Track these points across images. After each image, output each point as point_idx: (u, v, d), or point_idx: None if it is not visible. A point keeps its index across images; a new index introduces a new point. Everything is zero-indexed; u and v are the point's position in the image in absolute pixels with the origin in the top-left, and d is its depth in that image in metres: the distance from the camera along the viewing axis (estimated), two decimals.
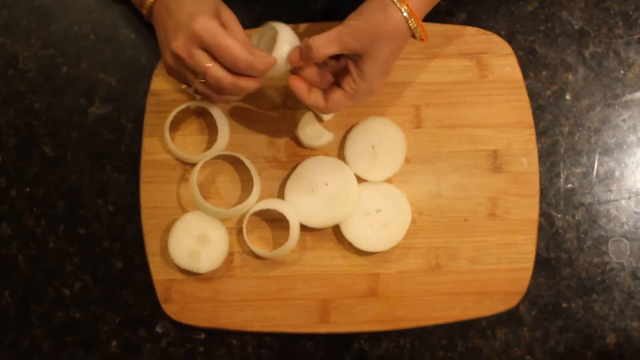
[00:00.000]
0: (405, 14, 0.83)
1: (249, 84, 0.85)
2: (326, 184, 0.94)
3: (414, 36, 0.86)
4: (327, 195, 0.94)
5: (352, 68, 0.85)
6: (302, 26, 1.00)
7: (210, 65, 0.83)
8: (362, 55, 0.84)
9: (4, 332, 0.96)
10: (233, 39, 0.82)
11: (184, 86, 0.89)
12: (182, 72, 0.86)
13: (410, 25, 0.84)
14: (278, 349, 0.95)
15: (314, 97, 0.87)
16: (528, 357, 0.95)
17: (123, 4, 1.02)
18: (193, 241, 0.94)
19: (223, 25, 0.84)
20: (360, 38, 0.83)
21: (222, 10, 0.87)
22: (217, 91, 0.86)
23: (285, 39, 0.87)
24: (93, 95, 1.00)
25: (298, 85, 0.86)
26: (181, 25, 0.83)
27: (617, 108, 1.00)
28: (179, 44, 0.83)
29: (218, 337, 0.95)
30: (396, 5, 0.82)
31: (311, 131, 0.95)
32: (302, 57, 0.85)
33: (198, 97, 0.92)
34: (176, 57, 0.84)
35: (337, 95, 0.86)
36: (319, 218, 0.93)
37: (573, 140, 0.99)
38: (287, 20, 0.99)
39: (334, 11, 1.02)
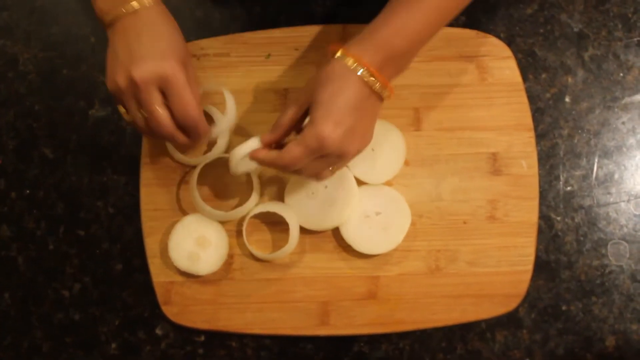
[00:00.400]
0: (349, 61, 0.79)
1: (183, 140, 0.85)
2: (325, 187, 0.94)
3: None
4: (327, 198, 0.94)
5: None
6: (302, 28, 0.99)
7: (159, 109, 0.81)
8: (310, 107, 0.82)
9: (4, 333, 0.96)
10: (194, 97, 0.81)
11: (121, 108, 0.85)
12: (128, 98, 0.83)
13: (348, 65, 0.79)
14: (277, 351, 0.95)
15: (270, 154, 0.84)
16: None
17: None
18: (193, 243, 0.94)
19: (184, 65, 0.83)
20: (306, 88, 0.83)
21: (188, 63, 0.84)
22: (151, 131, 0.84)
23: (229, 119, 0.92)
24: (93, 98, 1.01)
25: (255, 152, 0.85)
26: (150, 58, 0.80)
27: (616, 111, 1.00)
28: (141, 75, 0.79)
29: (218, 339, 0.96)
30: (341, 56, 0.80)
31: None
32: (273, 132, 0.85)
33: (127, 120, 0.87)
34: (132, 83, 0.80)
35: (289, 145, 0.81)
36: (318, 221, 0.93)
37: (572, 142, 0.99)
38: (286, 22, 1.00)
39: (334, 13, 1.02)
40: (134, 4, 0.81)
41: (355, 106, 0.79)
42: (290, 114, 0.83)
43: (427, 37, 0.83)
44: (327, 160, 0.82)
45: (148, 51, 0.80)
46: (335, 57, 0.80)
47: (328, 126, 0.78)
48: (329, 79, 0.79)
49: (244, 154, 0.85)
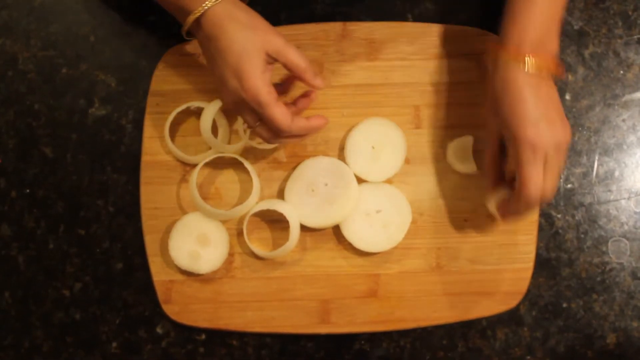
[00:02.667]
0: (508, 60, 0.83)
1: (294, 140, 0.90)
2: (326, 185, 0.94)
3: None
4: (327, 196, 0.94)
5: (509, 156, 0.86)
6: (302, 26, 0.99)
7: (257, 125, 0.86)
8: (503, 134, 0.86)
9: (4, 333, 0.96)
10: (278, 108, 0.82)
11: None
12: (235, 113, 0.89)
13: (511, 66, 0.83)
14: (278, 349, 0.95)
15: (510, 205, 0.87)
16: (528, 357, 0.95)
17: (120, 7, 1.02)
18: (193, 242, 0.94)
19: (275, 57, 0.84)
20: (489, 124, 0.90)
21: (268, 43, 0.84)
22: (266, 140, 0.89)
23: None
24: (93, 96, 1.00)
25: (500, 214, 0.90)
26: (228, 82, 0.83)
27: (616, 108, 1.00)
28: (228, 101, 0.85)
29: (218, 337, 0.95)
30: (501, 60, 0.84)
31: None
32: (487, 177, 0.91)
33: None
34: (227, 107, 0.88)
35: (518, 178, 0.83)
36: (318, 218, 0.93)
37: (573, 140, 0.99)
38: (287, 21, 1.00)
39: (334, 12, 1.02)
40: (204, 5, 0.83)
41: (536, 98, 0.81)
42: (490, 153, 0.89)
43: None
44: (554, 163, 0.82)
45: (224, 73, 0.83)
46: (498, 63, 0.83)
47: (529, 130, 0.80)
48: (502, 94, 0.83)
49: None
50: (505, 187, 0.88)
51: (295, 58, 0.84)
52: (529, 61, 0.81)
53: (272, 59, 0.84)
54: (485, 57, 0.85)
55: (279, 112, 0.83)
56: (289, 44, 0.84)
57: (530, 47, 0.82)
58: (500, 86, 0.83)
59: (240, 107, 0.85)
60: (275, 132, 0.85)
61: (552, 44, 0.85)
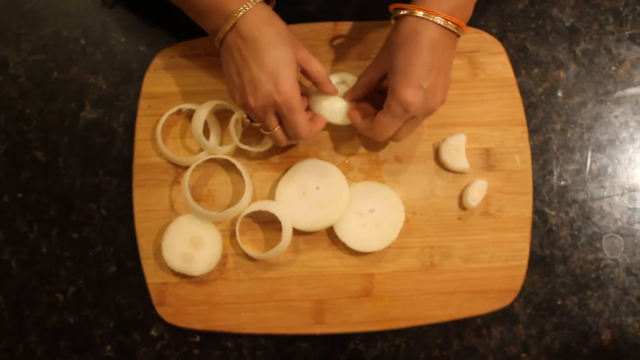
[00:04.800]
0: (419, 14, 0.81)
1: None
2: (317, 188, 0.94)
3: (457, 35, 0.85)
4: (318, 199, 0.93)
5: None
6: (294, 26, 0.99)
7: (276, 129, 0.88)
8: (388, 73, 0.86)
9: None
10: (304, 115, 0.86)
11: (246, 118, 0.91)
12: (252, 116, 0.89)
13: (419, 16, 0.81)
14: (273, 350, 0.95)
15: (365, 124, 0.90)
16: (523, 355, 0.95)
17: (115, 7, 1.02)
18: (186, 244, 0.93)
19: (302, 65, 0.87)
20: (379, 58, 0.89)
21: (299, 53, 0.86)
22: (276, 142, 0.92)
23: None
24: (84, 100, 1.00)
25: (351, 116, 0.91)
26: (262, 85, 0.83)
27: (608, 104, 1.00)
28: (257, 104, 0.85)
29: (213, 339, 0.95)
30: (408, 13, 0.82)
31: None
32: (353, 91, 0.92)
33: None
34: (248, 108, 0.86)
35: (378, 116, 0.86)
36: (309, 221, 0.93)
37: (565, 137, 0.99)
38: None
39: (326, 11, 1.02)
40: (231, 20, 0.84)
41: (432, 65, 0.82)
42: (368, 77, 0.90)
43: None
44: (416, 120, 0.87)
45: (257, 75, 0.83)
46: (402, 14, 0.82)
47: (409, 92, 0.82)
48: (401, 44, 0.83)
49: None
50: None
51: (319, 67, 0.88)
52: (440, 19, 0.81)
53: (300, 68, 0.87)
54: (391, 7, 0.84)
55: (304, 119, 0.86)
56: (312, 55, 0.87)
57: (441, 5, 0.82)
58: (405, 37, 0.82)
59: (266, 110, 0.86)
60: (291, 137, 0.89)
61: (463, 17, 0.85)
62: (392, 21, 0.86)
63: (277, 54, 0.83)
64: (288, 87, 0.83)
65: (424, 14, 0.81)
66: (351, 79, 0.94)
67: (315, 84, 0.90)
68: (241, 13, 0.83)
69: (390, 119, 0.85)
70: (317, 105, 0.92)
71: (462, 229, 0.95)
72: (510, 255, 0.94)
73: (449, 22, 0.81)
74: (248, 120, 0.90)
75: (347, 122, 0.93)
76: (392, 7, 0.84)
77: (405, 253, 0.95)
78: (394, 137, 0.89)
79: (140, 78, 0.99)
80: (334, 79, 0.94)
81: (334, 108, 0.92)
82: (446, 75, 0.85)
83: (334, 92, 0.91)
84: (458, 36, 0.84)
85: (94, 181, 0.98)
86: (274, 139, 0.90)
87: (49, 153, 0.99)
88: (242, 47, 0.84)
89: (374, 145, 0.97)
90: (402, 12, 0.83)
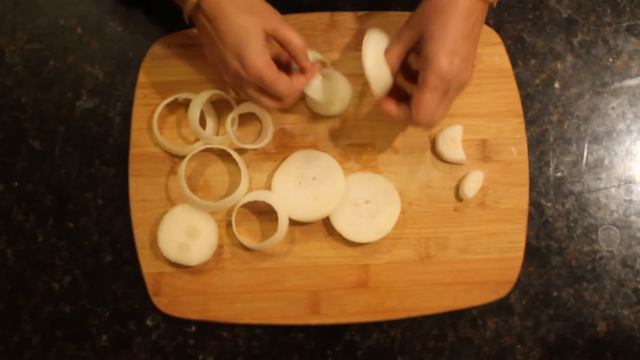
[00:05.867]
0: None
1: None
2: (313, 178, 0.94)
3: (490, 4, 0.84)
4: (314, 190, 0.93)
5: (419, 62, 0.84)
6: (290, 16, 0.99)
7: (261, 99, 0.87)
8: (420, 42, 0.84)
9: None
10: (281, 81, 0.84)
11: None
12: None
13: None
14: (269, 340, 0.95)
15: (403, 112, 0.86)
16: (519, 346, 0.95)
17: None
18: (182, 234, 0.93)
19: (273, 35, 0.85)
20: (412, 25, 0.85)
21: (267, 23, 0.84)
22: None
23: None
24: (80, 89, 1.00)
25: (386, 108, 0.87)
26: (229, 63, 0.84)
27: (606, 96, 0.99)
28: (229, 81, 0.86)
29: (209, 329, 0.95)
30: None
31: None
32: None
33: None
34: (227, 84, 0.88)
35: (416, 96, 0.83)
36: (305, 211, 0.93)
37: (562, 128, 0.99)
38: None
39: (322, 2, 1.02)
40: None
41: (467, 34, 0.81)
42: (396, 52, 0.86)
43: None
44: (449, 98, 0.84)
45: (225, 48, 0.83)
46: None
47: (446, 60, 0.80)
48: (437, 11, 0.81)
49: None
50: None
51: (292, 37, 0.85)
52: None
53: (270, 37, 0.85)
54: None
55: (282, 84, 0.84)
56: (287, 23, 0.85)
57: None
58: (441, 3, 0.81)
59: (243, 85, 0.86)
60: (279, 100, 0.88)
61: None
62: None
63: (237, 29, 0.82)
64: (253, 62, 0.82)
65: None
66: (320, 57, 0.94)
67: (290, 56, 0.87)
68: None
69: (429, 94, 0.81)
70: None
71: (458, 220, 0.95)
72: (506, 246, 0.94)
73: None
74: (234, 94, 0.91)
75: (324, 99, 0.92)
76: None
77: (401, 244, 0.95)
78: (432, 121, 0.85)
79: (136, 67, 0.99)
80: None
81: (313, 85, 0.90)
82: (475, 48, 0.84)
83: (312, 69, 0.88)
84: (490, 6, 0.84)
85: (90, 171, 0.98)
86: (263, 107, 0.89)
87: (45, 142, 0.99)
88: (208, 27, 0.84)
89: (370, 136, 0.97)
90: None
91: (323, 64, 0.95)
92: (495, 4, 0.83)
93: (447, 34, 0.80)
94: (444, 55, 0.80)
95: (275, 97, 0.87)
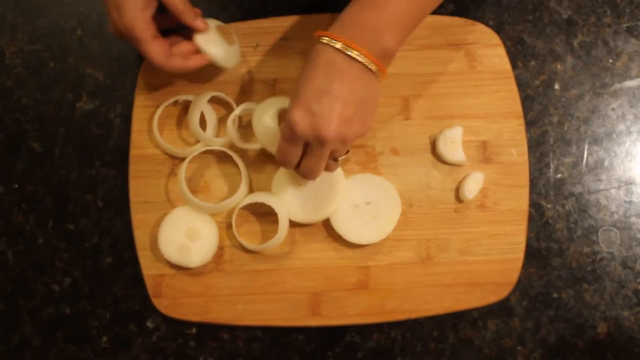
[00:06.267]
0: (323, 40, 0.78)
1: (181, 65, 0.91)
2: (314, 180, 0.94)
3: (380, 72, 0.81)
4: (314, 191, 0.93)
5: None
6: (290, 18, 0.99)
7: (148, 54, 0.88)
8: None
9: None
10: (152, 46, 0.86)
11: None
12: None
13: (323, 42, 0.78)
14: (269, 342, 0.95)
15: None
16: (519, 348, 0.95)
17: None
18: (183, 236, 0.93)
19: None
20: None
21: None
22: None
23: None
24: (80, 90, 1.00)
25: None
26: (110, 14, 0.86)
27: (606, 97, 0.99)
28: (113, 31, 0.88)
29: (209, 331, 0.95)
30: (317, 39, 0.80)
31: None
32: None
33: None
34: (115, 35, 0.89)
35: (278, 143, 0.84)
36: (305, 213, 0.93)
37: (562, 130, 0.99)
38: (274, 13, 0.99)
39: (321, 4, 1.02)
40: None
41: (324, 89, 0.77)
42: None
43: (412, 19, 0.81)
44: (314, 150, 0.81)
45: (108, 4, 0.85)
46: (318, 40, 0.79)
47: (297, 112, 0.78)
48: (304, 64, 0.80)
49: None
50: None
51: None
52: (342, 46, 0.77)
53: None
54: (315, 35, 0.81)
55: (153, 50, 0.86)
56: None
57: (353, 35, 0.78)
58: (308, 59, 0.80)
59: (123, 39, 0.87)
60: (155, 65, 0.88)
61: (388, 40, 0.79)
62: None
63: None
64: (129, 18, 0.83)
65: (326, 40, 0.78)
66: (220, 24, 0.95)
67: (176, 16, 0.88)
68: None
69: (282, 140, 0.81)
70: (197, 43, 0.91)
71: (459, 222, 0.95)
72: (507, 248, 0.94)
73: (349, 48, 0.77)
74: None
75: (219, 53, 0.92)
76: (315, 34, 0.81)
77: (402, 245, 0.95)
78: (300, 172, 0.85)
79: (137, 69, 0.99)
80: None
81: (210, 39, 0.91)
82: (345, 107, 0.77)
83: (200, 27, 0.89)
84: (367, 68, 0.78)
85: (90, 172, 0.98)
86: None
87: (45, 144, 0.99)
88: None
89: (370, 137, 0.97)
90: (319, 39, 0.79)
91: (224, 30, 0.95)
92: (371, 66, 0.78)
93: (301, 87, 0.78)
94: (295, 108, 0.78)
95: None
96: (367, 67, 0.78)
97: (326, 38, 0.78)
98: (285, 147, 0.82)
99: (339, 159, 0.86)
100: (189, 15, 0.88)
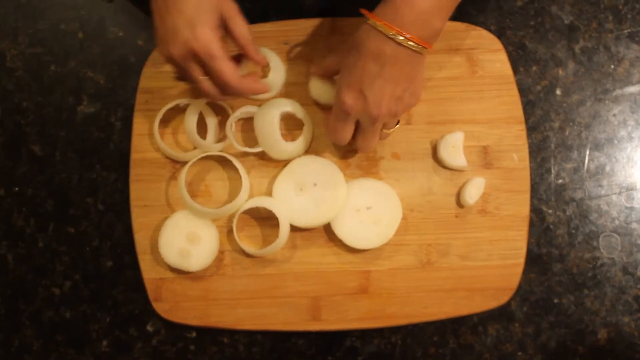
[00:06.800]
0: (371, 22, 0.80)
1: (237, 97, 0.93)
2: (315, 184, 0.94)
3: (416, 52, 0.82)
4: (315, 196, 0.93)
5: None
6: (292, 22, 0.99)
7: (202, 79, 0.85)
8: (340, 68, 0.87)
9: None
10: (228, 62, 0.83)
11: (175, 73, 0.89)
12: (177, 69, 0.86)
13: (374, 26, 0.80)
14: (269, 347, 0.95)
15: (327, 124, 0.91)
16: (520, 353, 0.95)
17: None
18: (183, 240, 0.93)
19: (225, 21, 0.84)
20: (336, 54, 0.91)
21: (224, 5, 0.84)
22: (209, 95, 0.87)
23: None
24: (81, 94, 1.00)
25: (326, 116, 0.93)
26: (180, 32, 0.81)
27: (607, 103, 0.99)
28: (176, 53, 0.82)
29: (209, 335, 0.95)
30: (364, 20, 0.81)
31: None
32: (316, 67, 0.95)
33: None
34: (172, 60, 0.84)
35: (329, 121, 0.89)
36: (306, 218, 0.93)
37: (563, 135, 0.99)
38: (275, 17, 0.99)
39: (323, 8, 1.02)
40: None
41: (375, 74, 0.81)
42: (327, 63, 0.92)
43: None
44: (365, 129, 0.88)
45: (177, 24, 0.82)
46: (366, 22, 0.81)
47: (348, 94, 0.83)
48: (351, 48, 0.83)
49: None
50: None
51: (243, 27, 0.85)
52: (392, 32, 0.79)
53: (222, 23, 0.84)
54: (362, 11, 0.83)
55: (228, 66, 0.83)
56: (241, 14, 0.85)
57: (404, 22, 0.79)
58: (358, 41, 0.82)
59: (187, 60, 0.83)
60: (221, 87, 0.85)
61: (437, 22, 0.81)
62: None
63: (195, 0, 0.82)
64: (206, 33, 0.81)
65: (373, 23, 0.80)
66: (269, 54, 0.97)
67: (238, 47, 0.87)
68: None
69: (335, 121, 0.87)
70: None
71: (460, 227, 0.95)
72: (507, 253, 0.94)
73: (399, 36, 0.79)
74: (176, 76, 0.89)
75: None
76: (361, 10, 0.83)
77: (403, 250, 0.94)
78: (356, 146, 0.91)
79: (138, 72, 0.98)
80: None
81: (268, 79, 0.95)
82: (396, 87, 0.82)
83: (261, 61, 0.89)
84: (414, 51, 0.81)
85: (91, 176, 0.98)
86: (203, 91, 0.86)
87: (46, 147, 0.99)
88: (164, 11, 0.83)
89: None
90: (364, 18, 0.82)
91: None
92: (418, 49, 0.80)
93: (352, 72, 0.83)
94: (347, 91, 0.83)
95: (217, 83, 0.85)
96: (416, 51, 0.81)
97: (379, 24, 0.79)
98: (338, 125, 0.87)
99: (390, 130, 0.91)
100: (254, 47, 0.87)
